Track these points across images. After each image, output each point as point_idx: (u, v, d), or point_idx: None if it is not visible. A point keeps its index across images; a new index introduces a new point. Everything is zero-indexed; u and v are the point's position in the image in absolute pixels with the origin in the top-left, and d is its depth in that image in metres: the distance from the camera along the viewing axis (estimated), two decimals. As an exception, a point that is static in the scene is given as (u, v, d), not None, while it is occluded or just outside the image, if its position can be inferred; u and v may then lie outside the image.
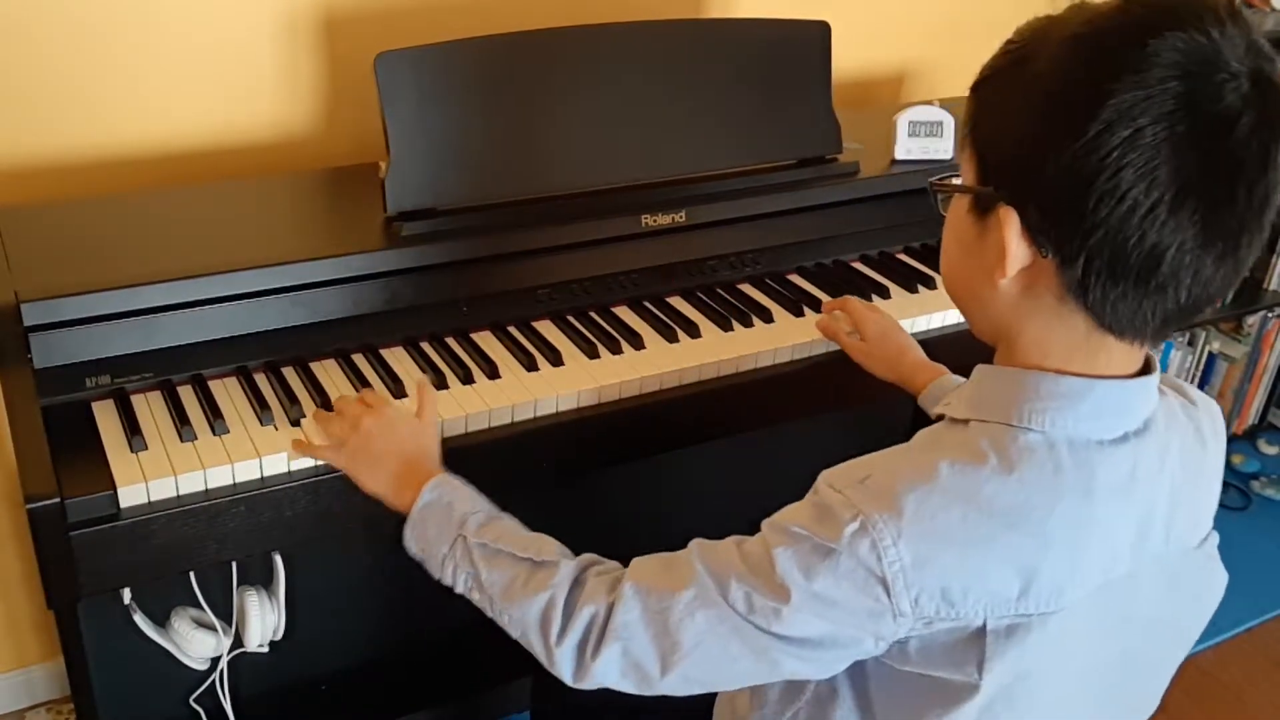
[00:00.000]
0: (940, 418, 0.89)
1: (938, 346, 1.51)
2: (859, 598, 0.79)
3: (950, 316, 1.55)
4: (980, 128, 0.82)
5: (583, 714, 1.23)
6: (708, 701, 1.14)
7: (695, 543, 0.90)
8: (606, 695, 0.92)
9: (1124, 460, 0.81)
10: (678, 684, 0.88)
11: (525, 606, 0.93)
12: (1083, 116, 0.72)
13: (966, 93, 0.85)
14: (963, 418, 0.84)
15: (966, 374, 0.90)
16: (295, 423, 1.22)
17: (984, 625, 0.79)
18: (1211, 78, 0.71)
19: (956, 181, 0.85)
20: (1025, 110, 0.76)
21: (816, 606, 0.80)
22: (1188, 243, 0.73)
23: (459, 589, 1.01)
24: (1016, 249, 0.78)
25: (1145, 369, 0.84)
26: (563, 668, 0.91)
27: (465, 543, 1.00)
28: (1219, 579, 0.94)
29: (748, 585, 0.83)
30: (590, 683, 0.90)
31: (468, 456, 1.25)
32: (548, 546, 0.98)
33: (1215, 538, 0.92)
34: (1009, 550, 0.78)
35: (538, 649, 0.93)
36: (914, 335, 1.52)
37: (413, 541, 1.04)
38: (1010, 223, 0.77)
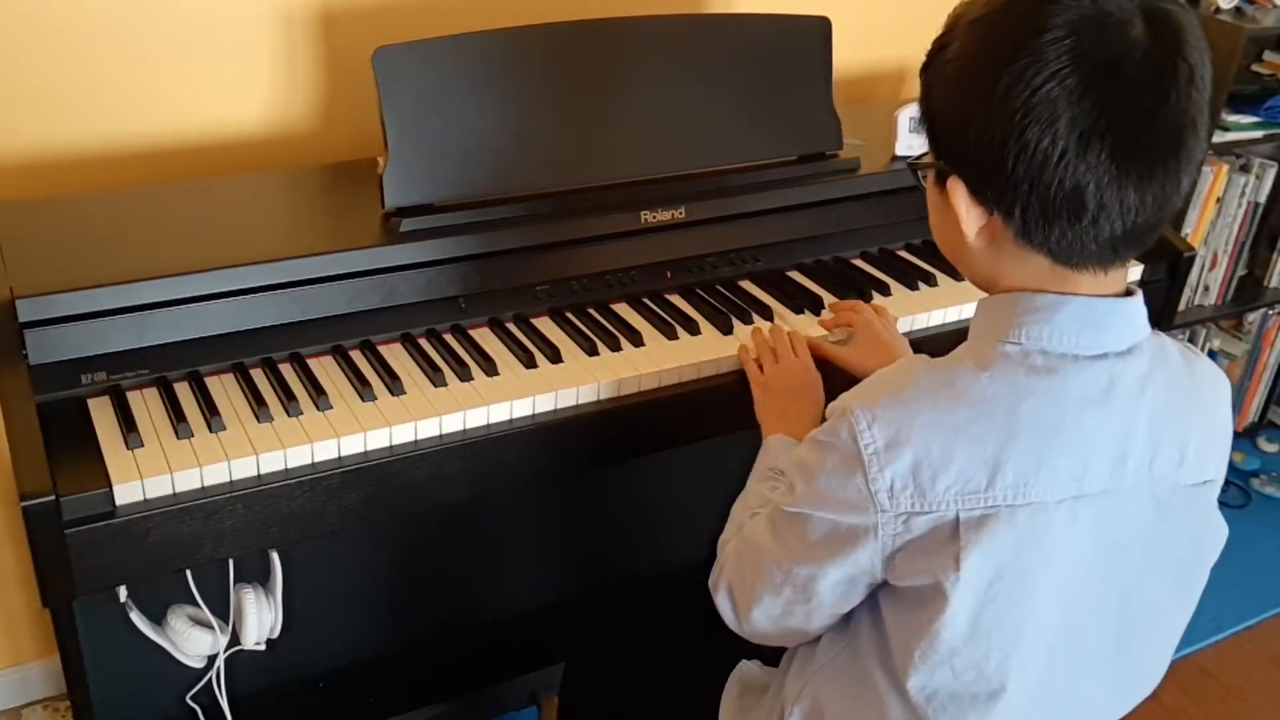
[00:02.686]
0: None
1: (940, 343, 1.51)
2: (845, 486, 0.87)
3: (951, 313, 1.54)
4: (926, 108, 0.91)
5: (608, 700, 1.31)
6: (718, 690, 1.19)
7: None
8: (629, 682, 1.05)
9: (1099, 375, 0.86)
10: (763, 618, 0.98)
11: (724, 534, 1.11)
12: (987, 88, 0.81)
13: None
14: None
15: None
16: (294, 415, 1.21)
17: (956, 517, 0.84)
18: (1098, 30, 0.78)
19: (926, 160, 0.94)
20: (946, 90, 0.87)
21: (816, 503, 0.90)
22: (1104, 178, 0.80)
23: None
24: (967, 212, 0.87)
25: (1128, 294, 0.90)
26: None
27: (748, 482, 1.17)
28: (1217, 528, 0.97)
29: (780, 503, 0.94)
30: (721, 611, 1.04)
31: (466, 455, 1.25)
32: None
33: (1215, 488, 0.96)
34: (976, 437, 0.84)
35: None
36: (916, 332, 1.52)
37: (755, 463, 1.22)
38: (957, 190, 0.87)
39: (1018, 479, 0.84)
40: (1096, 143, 0.79)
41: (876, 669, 0.93)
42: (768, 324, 1.45)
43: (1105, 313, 0.87)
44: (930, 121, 0.91)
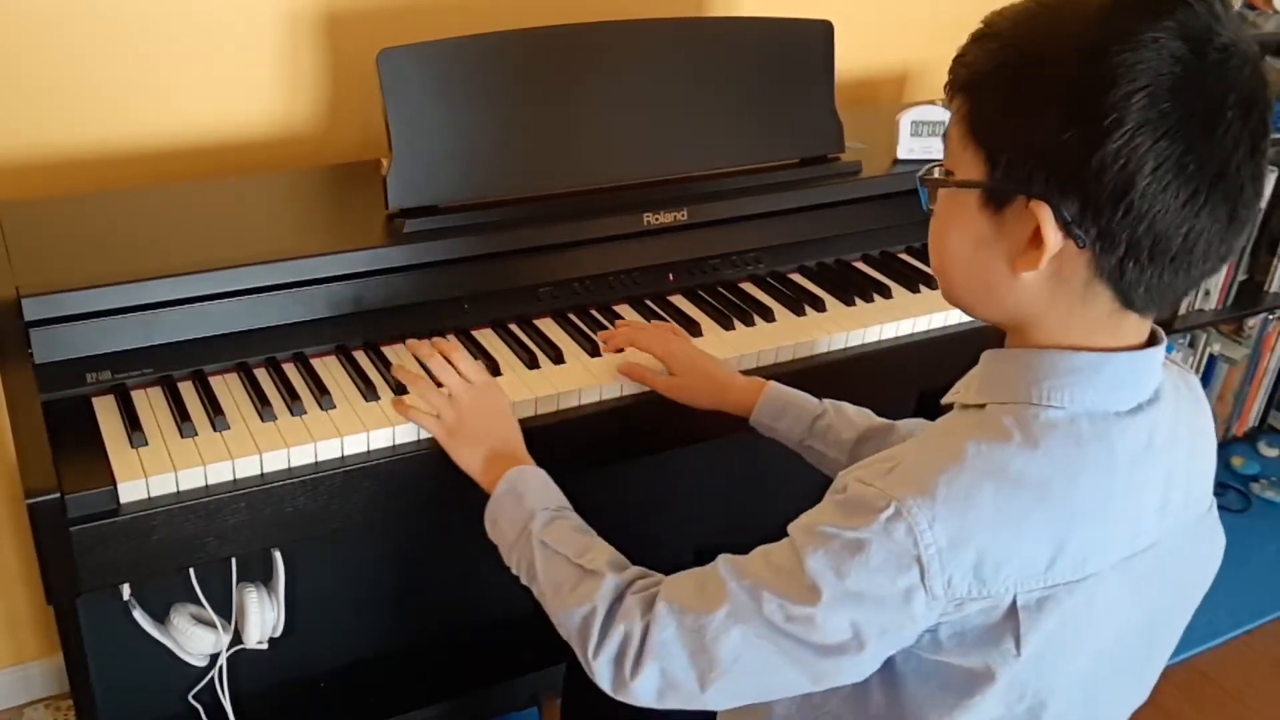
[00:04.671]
0: (949, 407, 0.90)
1: (941, 346, 1.51)
2: (892, 584, 0.79)
3: (953, 316, 1.55)
4: (986, 127, 0.82)
5: (610, 700, 1.25)
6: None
7: (723, 559, 0.90)
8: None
9: (1140, 430, 0.83)
10: (721, 699, 0.90)
11: (569, 613, 0.96)
12: (1116, 119, 0.74)
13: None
14: (978, 402, 0.86)
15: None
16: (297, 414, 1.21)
17: (1014, 601, 0.80)
18: (1226, 62, 0.74)
19: (938, 174, 0.86)
20: (1049, 112, 0.77)
21: (849, 603, 0.81)
22: (1219, 224, 0.77)
23: (522, 580, 1.05)
24: (1053, 240, 0.79)
25: (1152, 339, 0.86)
26: (601, 679, 0.93)
27: (529, 538, 1.03)
28: (1221, 539, 0.96)
29: (780, 596, 0.84)
30: (629, 698, 0.92)
31: (469, 454, 1.25)
32: (600, 555, 1.00)
33: (1214, 500, 0.95)
34: (1038, 524, 0.80)
35: (580, 657, 0.96)
36: (916, 335, 1.52)
37: (489, 526, 1.09)
38: (1045, 217, 0.78)
39: (1078, 556, 0.81)
40: (1222, 187, 0.76)
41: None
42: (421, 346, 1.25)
43: (1143, 367, 0.84)
44: (995, 142, 0.81)
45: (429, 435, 1.23)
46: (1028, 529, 0.79)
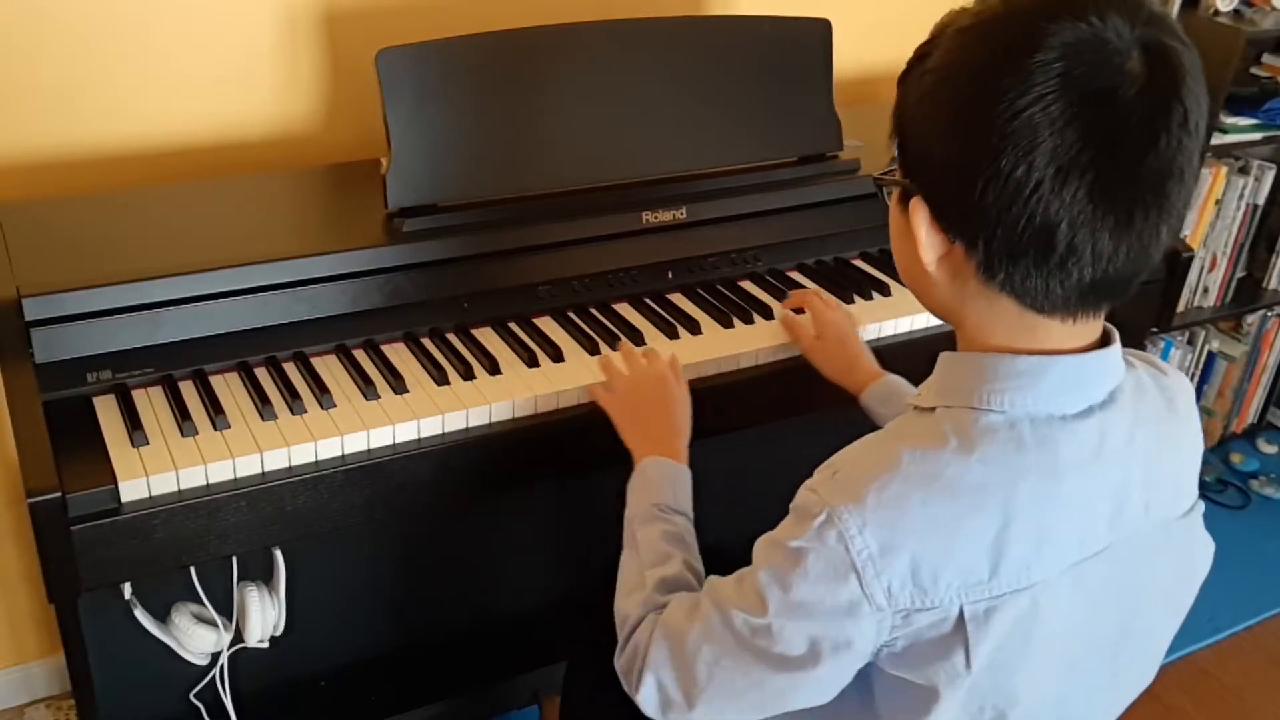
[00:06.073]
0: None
1: (939, 344, 1.51)
2: (834, 595, 0.80)
3: (951, 314, 1.55)
4: (898, 121, 0.84)
5: (609, 699, 1.26)
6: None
7: (707, 580, 0.94)
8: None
9: (1089, 434, 0.81)
10: (710, 716, 0.92)
11: (617, 612, 1.03)
12: (963, 104, 0.74)
13: None
14: (929, 405, 0.86)
15: None
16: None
17: (961, 613, 0.80)
18: (1093, 57, 0.72)
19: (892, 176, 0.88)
20: (921, 103, 0.79)
21: (798, 616, 0.82)
22: (1079, 218, 0.74)
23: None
24: (927, 238, 0.80)
25: (1105, 341, 0.85)
26: (622, 681, 0.98)
27: (631, 526, 1.10)
28: (1207, 546, 0.95)
29: (743, 610, 0.86)
30: (641, 702, 0.95)
31: (468, 453, 1.26)
32: (665, 571, 1.03)
33: (1201, 506, 0.93)
34: (974, 531, 0.79)
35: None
36: (914, 333, 1.53)
37: (628, 494, 1.15)
38: (919, 213, 0.80)
39: (1020, 564, 0.79)
40: (1075, 179, 0.72)
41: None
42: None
43: (1090, 369, 0.82)
44: (901, 135, 0.83)
45: (429, 434, 1.24)
46: (963, 536, 0.79)
